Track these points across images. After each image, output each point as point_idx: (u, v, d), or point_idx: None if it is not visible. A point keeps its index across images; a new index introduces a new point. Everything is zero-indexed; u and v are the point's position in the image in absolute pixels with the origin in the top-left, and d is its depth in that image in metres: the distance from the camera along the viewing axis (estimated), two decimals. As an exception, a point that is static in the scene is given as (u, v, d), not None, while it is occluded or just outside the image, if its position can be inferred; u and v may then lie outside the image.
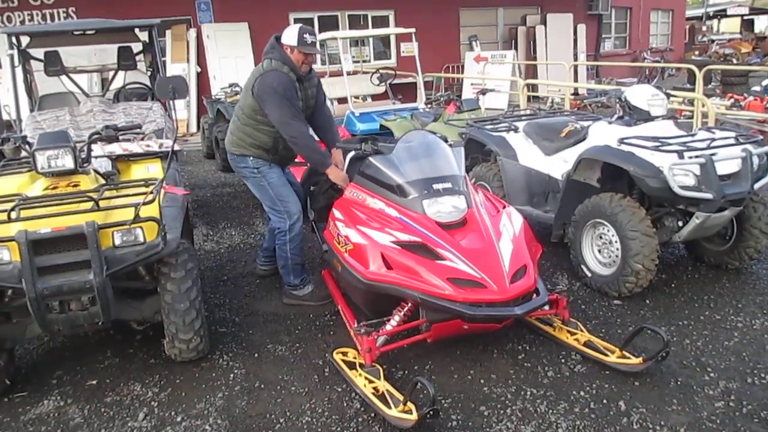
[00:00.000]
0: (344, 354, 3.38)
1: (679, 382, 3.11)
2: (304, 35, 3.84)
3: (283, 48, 3.90)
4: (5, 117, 8.49)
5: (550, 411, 2.93)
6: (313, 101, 4.16)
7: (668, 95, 4.49)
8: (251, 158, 4.07)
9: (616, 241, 3.99)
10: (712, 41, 24.57)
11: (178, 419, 3.02)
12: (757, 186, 3.92)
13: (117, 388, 3.31)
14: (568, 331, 3.49)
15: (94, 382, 3.39)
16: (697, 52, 22.34)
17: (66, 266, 2.92)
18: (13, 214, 2.91)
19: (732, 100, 8.98)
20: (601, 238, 4.16)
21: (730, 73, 13.20)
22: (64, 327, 3.06)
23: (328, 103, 4.93)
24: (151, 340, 3.70)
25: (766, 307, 3.89)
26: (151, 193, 3.08)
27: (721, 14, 28.06)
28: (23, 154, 4.01)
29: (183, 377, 3.38)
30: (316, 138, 4.24)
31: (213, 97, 10.21)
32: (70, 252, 2.93)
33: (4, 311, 3.24)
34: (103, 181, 3.53)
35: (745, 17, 27.25)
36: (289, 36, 3.87)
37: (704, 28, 27.73)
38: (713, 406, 2.91)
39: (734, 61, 18.84)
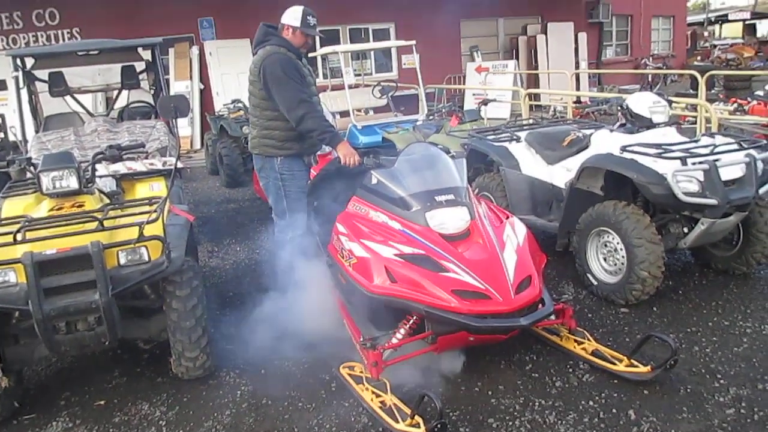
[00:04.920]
0: (351, 368, 3.38)
1: (688, 390, 3.08)
2: (308, 17, 3.88)
3: (282, 30, 3.90)
4: (11, 138, 8.56)
5: (559, 422, 2.91)
6: (314, 79, 4.16)
7: (670, 102, 4.49)
8: (278, 161, 4.02)
9: (621, 249, 3.98)
10: (714, 46, 24.61)
11: (186, 437, 3.01)
12: (762, 191, 3.89)
13: (125, 408, 3.30)
14: (575, 341, 3.47)
15: (102, 402, 3.39)
16: (699, 58, 22.38)
17: (72, 287, 2.93)
18: (19, 236, 2.93)
19: (735, 105, 8.96)
20: (606, 246, 4.15)
21: (733, 78, 13.20)
22: (72, 347, 3.07)
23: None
24: (158, 359, 3.70)
25: (775, 312, 3.86)
26: (155, 212, 3.09)
27: (723, 19, 28.11)
28: (29, 175, 4.04)
29: (190, 395, 3.37)
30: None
31: (216, 114, 10.27)
32: (76, 272, 2.94)
33: (11, 333, 3.25)
34: (108, 201, 3.55)
35: (747, 22, 27.28)
36: (292, 17, 3.90)
37: (706, 34, 27.79)
38: (724, 413, 2.89)
39: (737, 65, 18.83)
